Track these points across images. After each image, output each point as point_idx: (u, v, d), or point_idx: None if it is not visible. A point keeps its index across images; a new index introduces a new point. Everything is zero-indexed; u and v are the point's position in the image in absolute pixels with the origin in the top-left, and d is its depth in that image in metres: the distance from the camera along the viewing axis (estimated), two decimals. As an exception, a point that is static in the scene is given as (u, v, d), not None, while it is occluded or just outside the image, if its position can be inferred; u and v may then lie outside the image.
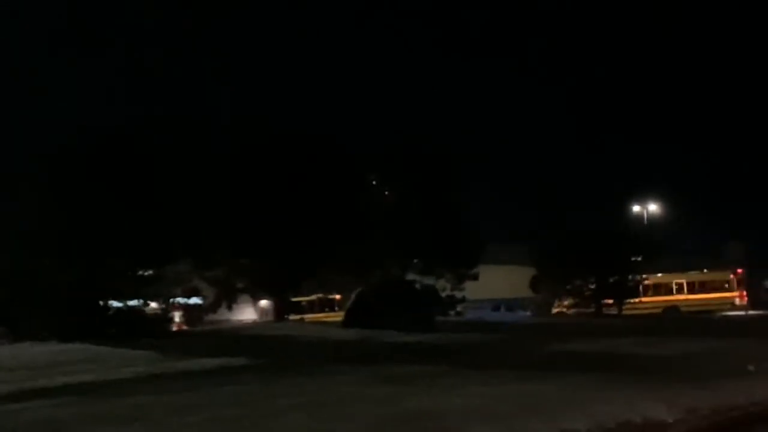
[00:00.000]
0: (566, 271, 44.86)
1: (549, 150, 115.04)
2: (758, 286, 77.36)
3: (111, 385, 18.89)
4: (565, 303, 46.73)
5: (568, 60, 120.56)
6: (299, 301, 47.49)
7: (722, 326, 37.50)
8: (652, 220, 76.63)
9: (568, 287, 45.79)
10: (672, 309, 47.65)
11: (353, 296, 37.44)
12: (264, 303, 49.08)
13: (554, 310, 47.77)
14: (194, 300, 41.11)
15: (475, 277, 44.46)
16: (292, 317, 39.73)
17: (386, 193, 40.58)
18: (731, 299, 50.54)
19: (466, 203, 42.76)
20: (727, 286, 50.86)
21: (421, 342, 28.80)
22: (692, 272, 51.29)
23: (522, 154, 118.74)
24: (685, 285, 50.14)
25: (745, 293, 51.99)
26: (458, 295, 44.22)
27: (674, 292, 50.12)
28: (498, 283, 52.01)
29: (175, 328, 37.45)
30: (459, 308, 69.85)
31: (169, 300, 32.57)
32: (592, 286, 45.46)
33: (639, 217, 76.30)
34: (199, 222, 33.84)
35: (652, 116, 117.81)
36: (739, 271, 52.49)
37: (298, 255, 37.09)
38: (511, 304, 55.93)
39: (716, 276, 52.02)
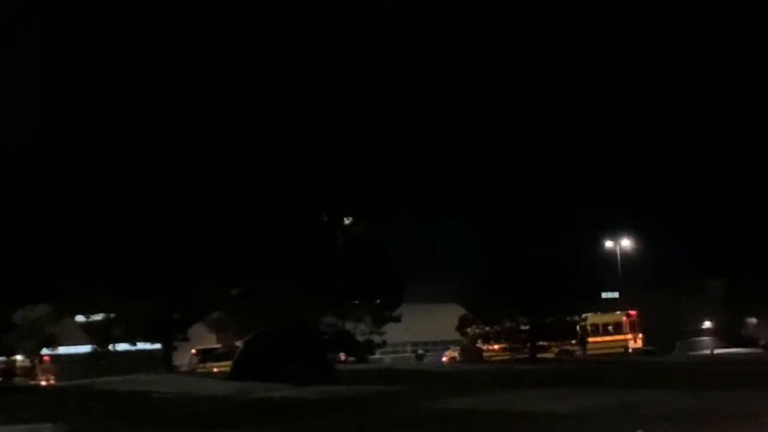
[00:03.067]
0: (493, 310, 40.35)
1: (505, 176, 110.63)
2: (740, 323, 74.08)
3: None
4: (488, 346, 42.01)
5: (530, 87, 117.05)
6: (213, 349, 42.98)
7: (662, 372, 33.33)
8: (626, 254, 73.77)
9: (496, 329, 41.21)
10: (563, 353, 43.15)
11: (242, 344, 33.07)
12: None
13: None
14: (77, 349, 36.74)
15: (397, 320, 40.29)
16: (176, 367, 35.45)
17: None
18: (625, 342, 46.70)
19: (379, 233, 38.34)
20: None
21: (298, 398, 24.66)
22: (587, 315, 46.93)
23: (470, 176, 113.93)
24: (578, 327, 44.87)
25: (640, 336, 48.21)
26: (377, 339, 40.02)
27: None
28: (428, 325, 47.79)
29: (44, 382, 32.95)
30: (420, 351, 65.80)
31: (11, 352, 28.17)
32: (525, 327, 41.01)
33: (611, 252, 73.33)
34: (69, 258, 29.58)
35: (626, 143, 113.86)
36: (633, 313, 48.71)
37: (185, 295, 32.97)
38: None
39: (610, 319, 48.20)
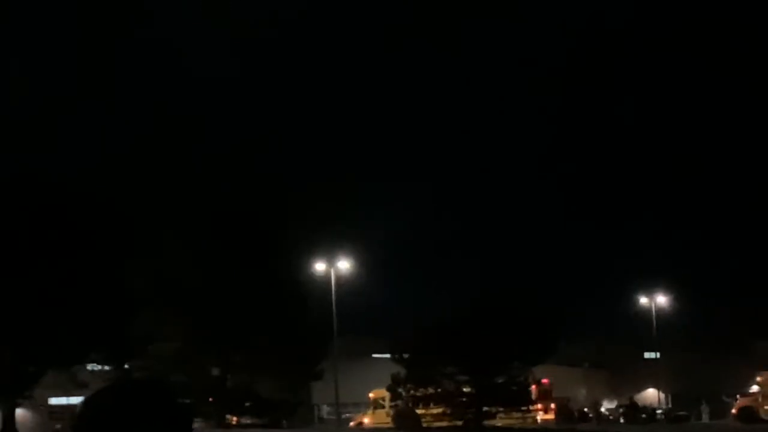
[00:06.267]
0: (427, 366, 33.41)
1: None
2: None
3: None
4: (426, 410, 34.78)
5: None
6: None
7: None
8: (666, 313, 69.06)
9: (431, 391, 34.11)
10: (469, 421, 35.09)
11: (80, 405, 27.17)
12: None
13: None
14: None
15: (318, 376, 34.35)
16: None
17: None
18: (533, 414, 38.67)
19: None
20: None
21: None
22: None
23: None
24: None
25: (553, 406, 41.49)
26: (292, 398, 34.14)
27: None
28: (368, 383, 41.20)
29: None
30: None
31: None
32: (467, 389, 33.99)
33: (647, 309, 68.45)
34: None
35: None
36: (545, 381, 41.49)
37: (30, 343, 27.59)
38: None
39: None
